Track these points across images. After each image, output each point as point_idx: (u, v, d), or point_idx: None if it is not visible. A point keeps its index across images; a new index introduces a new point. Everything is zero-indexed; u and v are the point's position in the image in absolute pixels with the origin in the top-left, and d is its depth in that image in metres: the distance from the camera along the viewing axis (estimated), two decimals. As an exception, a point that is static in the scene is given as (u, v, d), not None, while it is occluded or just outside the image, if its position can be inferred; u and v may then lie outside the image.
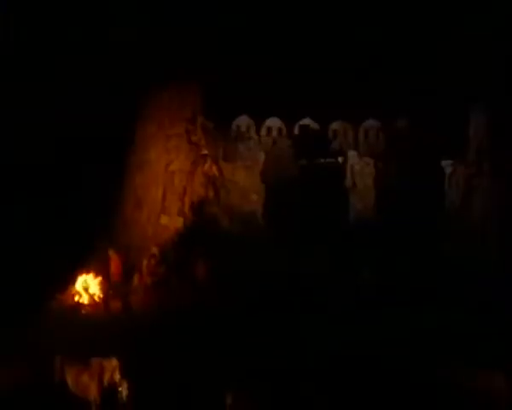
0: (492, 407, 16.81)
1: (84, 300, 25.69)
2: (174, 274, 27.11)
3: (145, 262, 27.60)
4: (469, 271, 26.84)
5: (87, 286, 26.17)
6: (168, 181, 31.06)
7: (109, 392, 15.92)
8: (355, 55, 39.53)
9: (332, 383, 17.76)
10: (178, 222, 30.27)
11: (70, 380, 17.00)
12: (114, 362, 15.89)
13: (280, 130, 38.99)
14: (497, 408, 16.78)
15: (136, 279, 27.29)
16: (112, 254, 27.23)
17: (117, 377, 15.74)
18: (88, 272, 26.66)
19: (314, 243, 30.06)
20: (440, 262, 28.39)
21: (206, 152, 31.17)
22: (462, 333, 21.74)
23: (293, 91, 38.05)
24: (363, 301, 25.20)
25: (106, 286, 26.60)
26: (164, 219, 30.52)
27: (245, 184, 32.06)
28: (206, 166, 30.95)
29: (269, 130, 38.86)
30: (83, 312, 24.89)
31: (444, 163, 32.34)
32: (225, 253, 27.26)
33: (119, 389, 15.66)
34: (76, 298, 25.83)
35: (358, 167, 34.93)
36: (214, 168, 31.23)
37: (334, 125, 39.70)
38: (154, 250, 28.35)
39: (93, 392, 16.20)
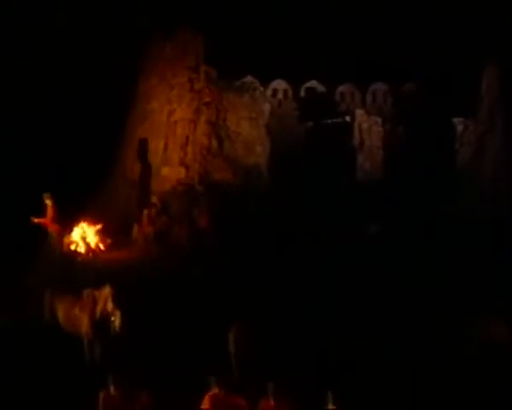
0: (494, 355, 16.13)
1: (82, 249, 24.94)
2: (175, 224, 26.39)
3: (145, 212, 26.89)
4: (479, 227, 26.17)
5: (84, 235, 25.40)
6: (170, 132, 30.30)
7: (101, 324, 15.10)
8: (362, 18, 38.79)
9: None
10: (180, 172, 29.53)
11: (61, 315, 16.22)
12: (107, 290, 15.05)
13: (286, 92, 38.03)
14: (498, 357, 16.07)
15: (135, 230, 26.61)
16: (48, 201, 23.98)
17: (110, 306, 14.89)
18: (85, 220, 25.84)
19: (320, 200, 29.42)
20: (449, 220, 27.67)
21: (209, 99, 30.33)
22: (465, 283, 20.95)
23: (300, 53, 37.29)
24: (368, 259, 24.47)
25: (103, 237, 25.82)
26: (164, 171, 29.78)
27: (249, 135, 31.22)
28: (209, 112, 30.09)
29: (274, 92, 37.92)
30: (79, 259, 24.17)
31: (455, 120, 31.64)
32: (228, 204, 26.55)
33: (112, 318, 14.83)
34: (73, 247, 25.08)
35: (366, 126, 34.02)
36: (218, 115, 30.37)
37: (341, 88, 38.78)
38: (155, 200, 27.72)
39: (85, 325, 15.40)
